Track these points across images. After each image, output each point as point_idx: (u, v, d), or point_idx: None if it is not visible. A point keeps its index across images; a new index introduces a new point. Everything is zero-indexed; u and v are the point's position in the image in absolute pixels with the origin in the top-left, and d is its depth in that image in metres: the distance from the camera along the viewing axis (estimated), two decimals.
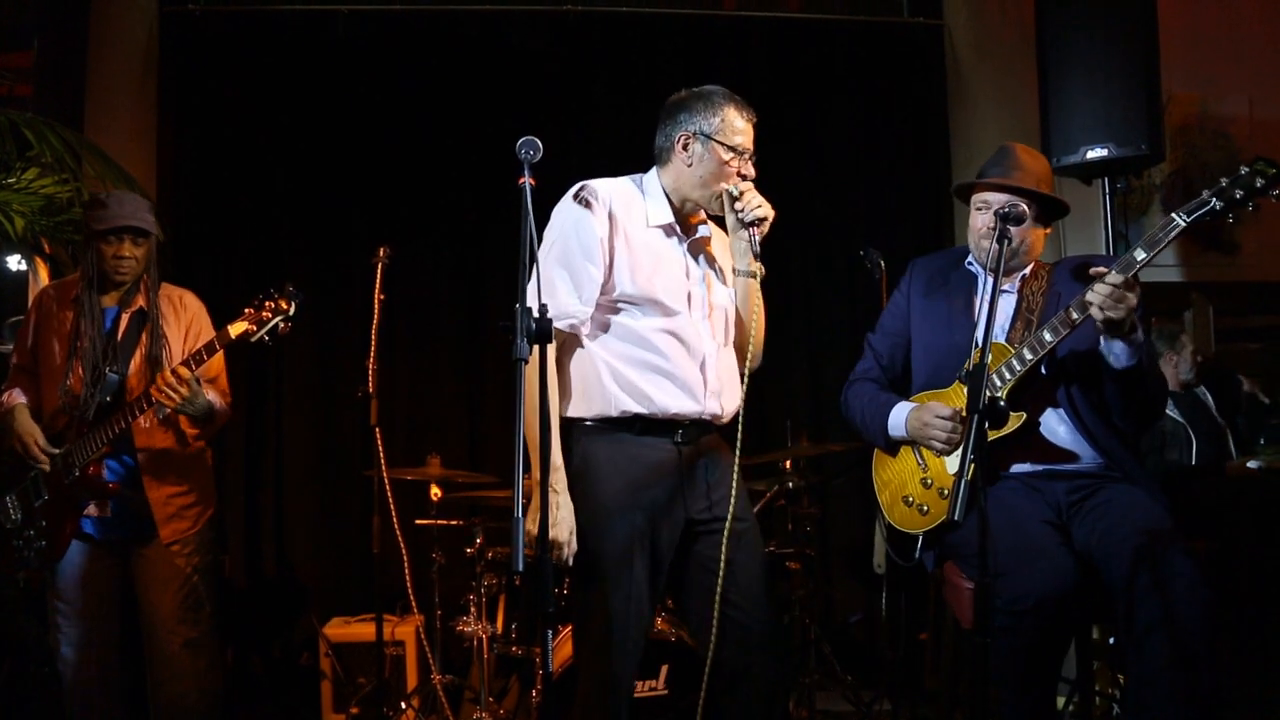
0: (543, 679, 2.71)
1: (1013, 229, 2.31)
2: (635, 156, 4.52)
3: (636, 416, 2.09)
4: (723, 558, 2.08)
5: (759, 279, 2.17)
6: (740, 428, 2.10)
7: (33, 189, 3.34)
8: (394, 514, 3.04)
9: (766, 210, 2.12)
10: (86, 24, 4.10)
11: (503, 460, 3.97)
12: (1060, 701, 3.25)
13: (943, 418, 2.27)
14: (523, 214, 1.74)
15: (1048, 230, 2.43)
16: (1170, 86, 3.80)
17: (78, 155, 3.35)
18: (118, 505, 2.70)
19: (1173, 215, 2.05)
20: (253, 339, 2.62)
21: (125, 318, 2.74)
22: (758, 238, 2.12)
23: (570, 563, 2.04)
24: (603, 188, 2.14)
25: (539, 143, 1.80)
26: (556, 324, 2.03)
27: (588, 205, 2.09)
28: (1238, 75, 4.57)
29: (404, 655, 3.52)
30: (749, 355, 2.17)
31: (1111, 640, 3.31)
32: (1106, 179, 3.72)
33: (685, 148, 2.14)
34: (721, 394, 2.18)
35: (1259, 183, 2.00)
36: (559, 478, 2.03)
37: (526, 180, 1.78)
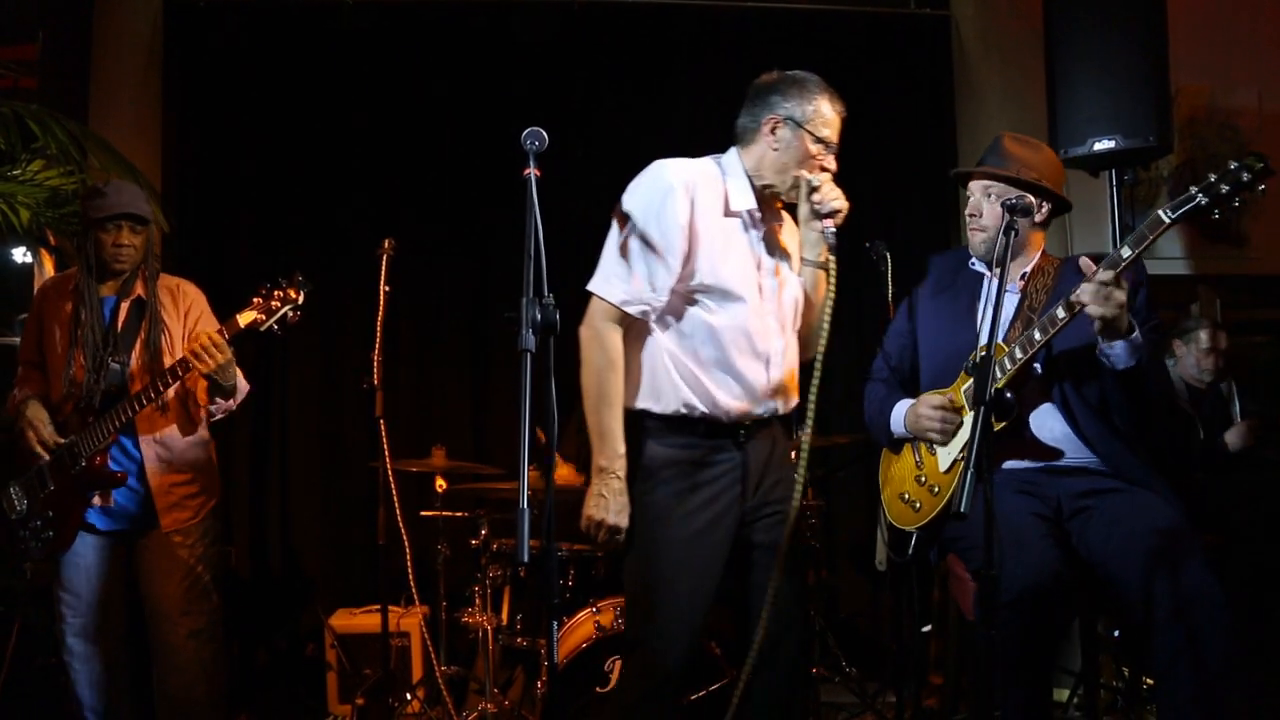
0: (548, 670, 2.72)
1: (1020, 220, 2.32)
2: (640, 147, 4.51)
3: (702, 417, 2.08)
4: (780, 560, 2.09)
5: (830, 271, 2.12)
6: (810, 417, 2.06)
7: (38, 181, 3.34)
8: (399, 506, 3.04)
9: (842, 203, 2.10)
10: (91, 16, 4.11)
11: (508, 452, 3.97)
12: (1065, 694, 3.25)
13: (934, 407, 2.28)
14: (528, 205, 1.74)
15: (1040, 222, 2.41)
16: (1178, 78, 3.77)
17: (82, 147, 3.35)
18: (122, 495, 2.70)
19: (1158, 212, 2.03)
20: (261, 329, 2.61)
21: (124, 307, 2.75)
22: (832, 229, 2.09)
23: (612, 544, 2.05)
24: (685, 170, 2.10)
25: (544, 133, 1.80)
26: (626, 308, 2.04)
27: (670, 189, 2.05)
28: (1247, 67, 4.54)
29: (409, 646, 3.52)
30: (810, 344, 2.18)
31: (1116, 633, 3.31)
32: (1114, 171, 3.71)
33: (773, 131, 2.10)
34: (784, 390, 2.17)
35: (1245, 177, 1.97)
36: (620, 465, 2.04)
37: (531, 171, 1.77)
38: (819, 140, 2.10)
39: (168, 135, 4.12)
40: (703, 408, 2.08)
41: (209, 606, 2.77)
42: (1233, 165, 1.99)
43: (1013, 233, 2.08)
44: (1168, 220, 2.02)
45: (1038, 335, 2.19)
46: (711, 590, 2.09)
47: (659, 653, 2.04)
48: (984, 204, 2.37)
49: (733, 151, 2.19)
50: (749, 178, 2.14)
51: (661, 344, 2.10)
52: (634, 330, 2.10)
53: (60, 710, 2.90)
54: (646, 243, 2.04)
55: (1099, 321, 2.09)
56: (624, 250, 2.06)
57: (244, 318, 2.60)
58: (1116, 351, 2.14)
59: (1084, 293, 2.07)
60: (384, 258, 3.04)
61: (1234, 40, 4.52)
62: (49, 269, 3.74)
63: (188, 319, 2.79)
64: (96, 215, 2.68)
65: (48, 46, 4.00)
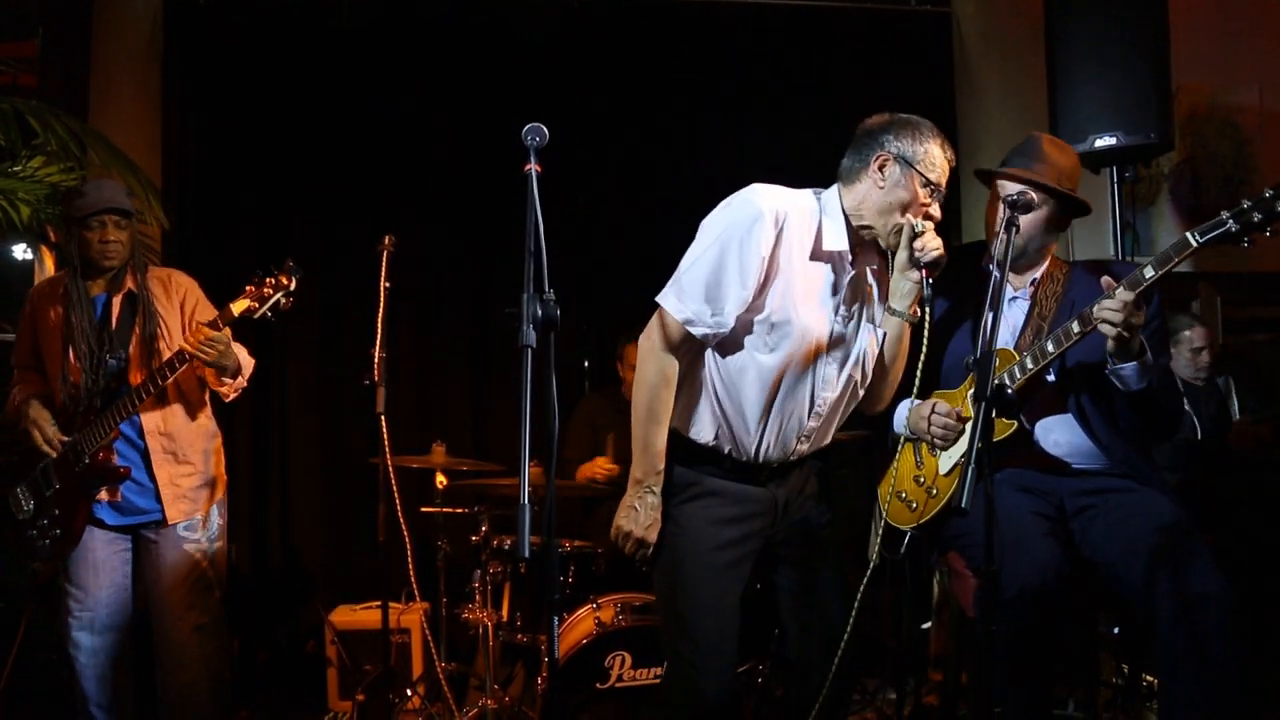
0: (548, 666, 2.72)
1: (1021, 217, 2.31)
2: (640, 143, 4.53)
3: (730, 453, 2.08)
4: (860, 591, 2.10)
5: (924, 324, 2.06)
6: (891, 480, 2.10)
7: (38, 177, 3.35)
8: (399, 502, 3.04)
9: (942, 254, 2.03)
10: (90, 12, 4.11)
11: (508, 448, 3.97)
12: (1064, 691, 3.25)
13: (938, 413, 2.26)
14: (528, 201, 1.73)
15: (1061, 229, 2.38)
16: (1179, 75, 3.77)
17: (82, 143, 3.35)
18: (129, 490, 2.71)
19: (1186, 235, 2.01)
20: (255, 316, 2.61)
21: (116, 302, 2.75)
22: (930, 281, 2.03)
23: (639, 556, 2.05)
24: (778, 200, 2.03)
25: (545, 129, 1.78)
26: (691, 328, 2.00)
27: (759, 215, 1.98)
28: (1247, 65, 4.55)
29: (409, 643, 3.53)
30: (882, 397, 2.17)
31: (1116, 630, 3.31)
32: (1115, 168, 3.71)
33: (882, 169, 2.03)
34: (818, 436, 2.14)
35: (1279, 207, 1.94)
36: (657, 481, 2.03)
37: (532, 167, 1.76)
38: (928, 183, 2.03)
39: (168, 131, 4.12)
40: (731, 444, 2.08)
41: (212, 602, 2.77)
42: (1268, 193, 1.95)
43: (1014, 229, 2.06)
44: (1195, 244, 1.99)
45: (1051, 347, 2.17)
46: (736, 612, 2.07)
47: (694, 670, 2.03)
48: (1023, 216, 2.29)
49: (834, 189, 2.11)
50: (846, 218, 2.08)
51: (710, 373, 2.07)
52: (690, 351, 2.07)
53: (63, 705, 2.90)
54: (724, 266, 1.99)
55: (1113, 342, 2.07)
56: (700, 269, 2.00)
57: (237, 306, 2.61)
58: (1127, 373, 2.13)
59: (1104, 312, 2.04)
60: (384, 254, 3.04)
61: (1235, 38, 4.52)
62: (49, 265, 3.74)
63: (184, 309, 2.79)
64: (79, 214, 2.67)
65: (47, 43, 4.00)
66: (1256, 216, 1.95)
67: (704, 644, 2.02)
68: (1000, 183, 2.33)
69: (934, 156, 2.04)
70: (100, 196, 2.68)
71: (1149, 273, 2.04)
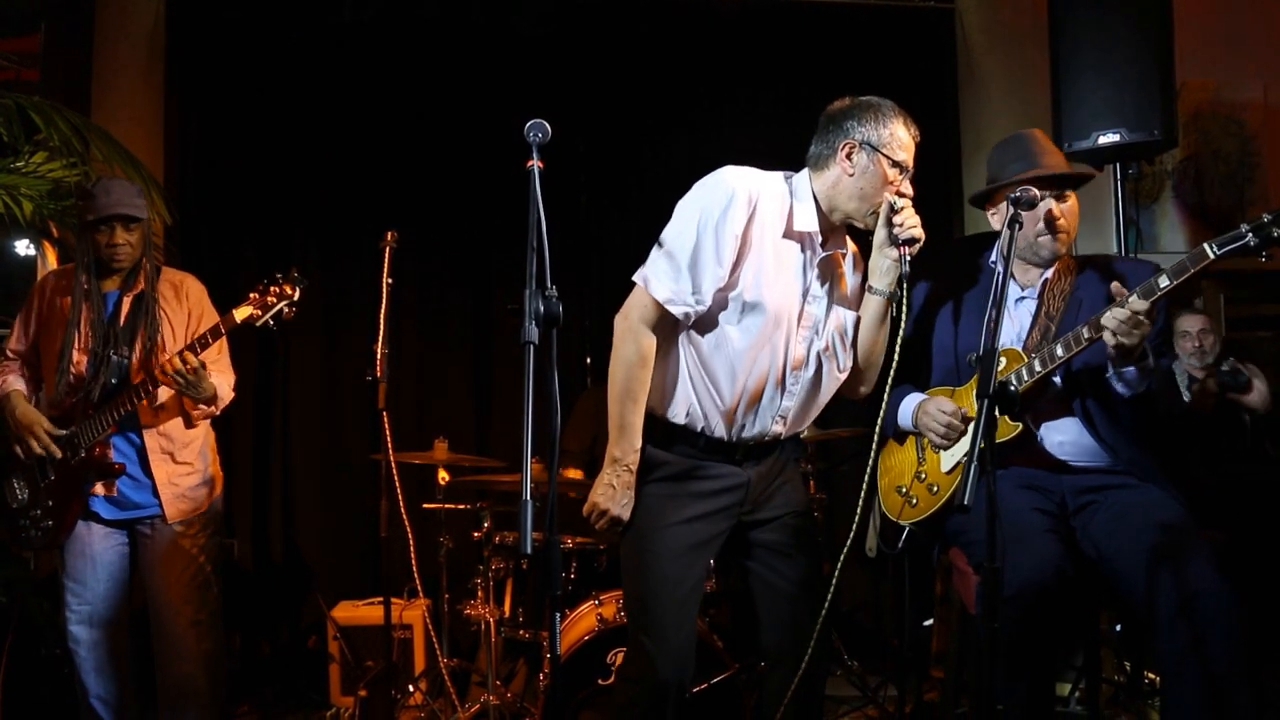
0: (550, 662, 2.72)
1: (1060, 206, 2.30)
2: (640, 140, 4.52)
3: (703, 431, 2.09)
4: (836, 574, 2.08)
5: (903, 301, 2.09)
6: (874, 452, 2.13)
7: (40, 173, 3.35)
8: (401, 498, 3.05)
9: (920, 232, 2.06)
10: (93, 7, 4.10)
11: (510, 445, 3.97)
12: (1067, 688, 3.26)
13: (943, 411, 2.26)
14: (531, 197, 1.73)
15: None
16: (1183, 72, 3.76)
17: (85, 139, 3.35)
18: (127, 486, 2.71)
19: (1204, 247, 2.01)
20: (257, 324, 2.64)
21: (127, 301, 2.76)
22: (908, 257, 2.06)
23: (610, 533, 2.07)
24: (751, 180, 2.07)
25: (547, 125, 1.78)
26: (669, 307, 2.03)
27: (733, 195, 2.03)
28: (1252, 61, 4.53)
29: (412, 639, 3.54)
30: (866, 379, 2.19)
31: (1118, 628, 3.31)
32: (1118, 165, 3.70)
33: (849, 157, 2.08)
34: (794, 418, 2.15)
35: None
36: (634, 459, 2.05)
37: (535, 163, 1.76)
38: (895, 164, 2.07)
39: (170, 126, 4.11)
40: (705, 423, 2.09)
41: (210, 597, 2.78)
42: None
43: (1017, 225, 2.06)
44: (1212, 255, 1.99)
45: (1060, 351, 2.17)
46: (698, 589, 2.10)
47: (652, 644, 2.04)
48: (1061, 205, 2.31)
49: (804, 173, 2.15)
50: (817, 202, 2.11)
51: (684, 351, 2.09)
52: (664, 330, 2.09)
53: (63, 701, 2.91)
54: (700, 245, 2.02)
55: (1115, 350, 2.08)
56: (677, 249, 2.03)
57: (240, 313, 2.63)
58: (1130, 376, 2.13)
59: (1113, 320, 2.04)
60: (386, 250, 3.04)
61: (1239, 34, 4.51)
62: (52, 261, 3.75)
63: (191, 315, 2.80)
64: (89, 218, 2.68)
65: (50, 38, 4.00)
66: (1276, 231, 1.95)
67: (661, 621, 2.04)
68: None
69: (899, 137, 2.09)
70: (107, 201, 2.67)
71: (1164, 282, 2.04)
